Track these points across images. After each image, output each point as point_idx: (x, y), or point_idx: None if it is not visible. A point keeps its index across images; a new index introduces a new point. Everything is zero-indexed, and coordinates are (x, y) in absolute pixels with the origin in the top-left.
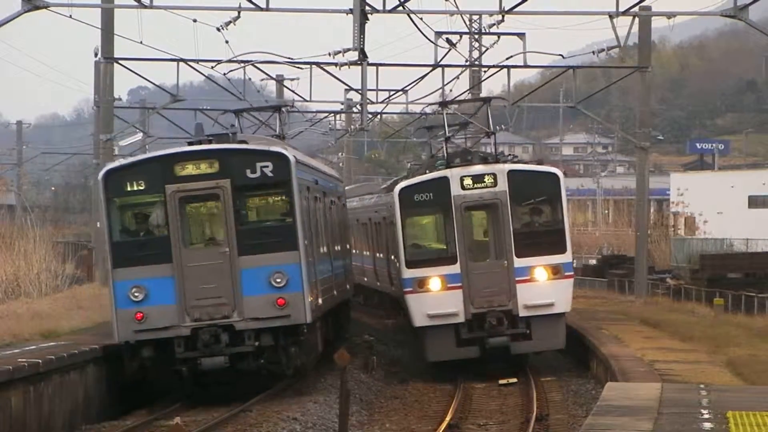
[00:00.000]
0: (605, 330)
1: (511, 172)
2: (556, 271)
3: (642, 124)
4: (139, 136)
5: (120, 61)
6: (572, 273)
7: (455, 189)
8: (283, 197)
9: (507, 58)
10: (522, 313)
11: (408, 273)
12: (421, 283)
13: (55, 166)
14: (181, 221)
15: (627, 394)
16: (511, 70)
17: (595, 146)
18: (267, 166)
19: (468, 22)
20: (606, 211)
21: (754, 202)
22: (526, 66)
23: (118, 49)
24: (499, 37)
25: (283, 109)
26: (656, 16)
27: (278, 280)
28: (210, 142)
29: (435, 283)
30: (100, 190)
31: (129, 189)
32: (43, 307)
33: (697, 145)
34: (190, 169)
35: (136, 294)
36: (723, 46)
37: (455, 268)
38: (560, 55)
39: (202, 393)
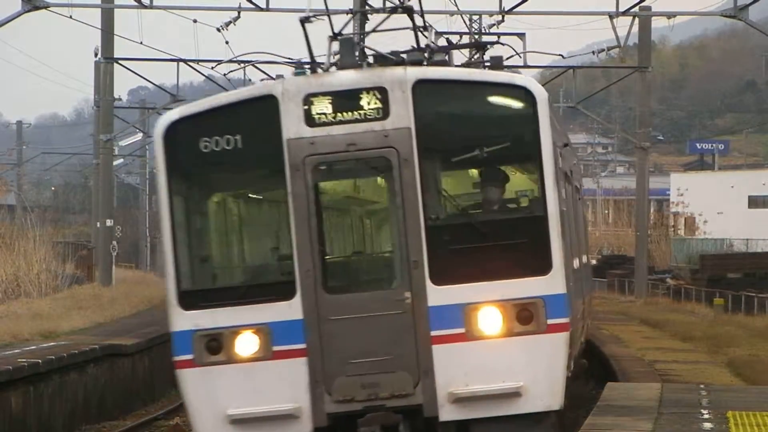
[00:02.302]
0: (605, 330)
1: (422, 85)
2: (528, 314)
3: (642, 124)
4: (139, 136)
5: (120, 61)
6: (567, 319)
7: (293, 125)
8: None
9: (507, 58)
10: (447, 413)
11: (183, 320)
12: (213, 345)
13: (55, 166)
14: None
15: (627, 394)
16: (511, 70)
17: (595, 146)
18: None
19: (468, 22)
20: (606, 211)
21: (754, 202)
22: (526, 66)
23: (118, 49)
24: (499, 37)
25: None
26: (656, 16)
27: None
28: None
29: (245, 344)
30: None
31: None
32: (43, 307)
33: (697, 145)
34: None
35: None
36: (723, 46)
37: (292, 309)
38: (560, 55)
39: None
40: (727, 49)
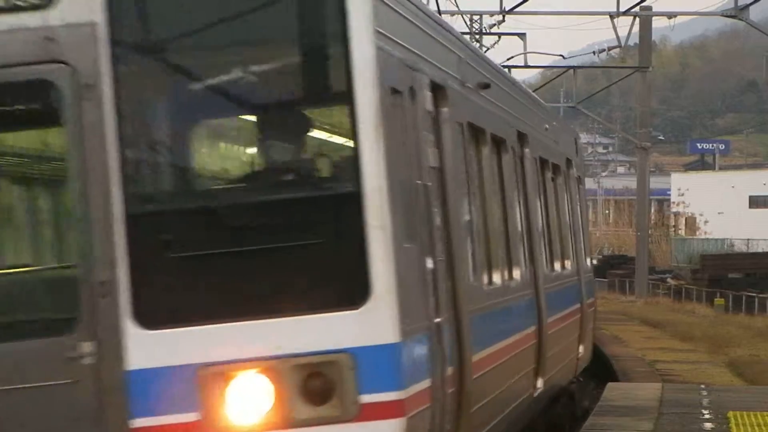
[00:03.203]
0: (606, 330)
1: None
2: (323, 385)
3: (642, 124)
4: None
5: None
6: (400, 393)
7: None
8: None
9: (508, 59)
10: None
11: None
12: None
13: None
14: None
15: (628, 394)
16: (512, 70)
17: (595, 146)
18: None
19: (468, 22)
20: (607, 212)
21: (755, 202)
22: (526, 66)
23: None
24: (499, 37)
25: None
26: (657, 16)
27: None
28: None
29: None
30: None
31: None
32: None
33: (698, 145)
34: None
35: None
36: (723, 46)
37: None
38: (561, 55)
39: None
40: (728, 49)
